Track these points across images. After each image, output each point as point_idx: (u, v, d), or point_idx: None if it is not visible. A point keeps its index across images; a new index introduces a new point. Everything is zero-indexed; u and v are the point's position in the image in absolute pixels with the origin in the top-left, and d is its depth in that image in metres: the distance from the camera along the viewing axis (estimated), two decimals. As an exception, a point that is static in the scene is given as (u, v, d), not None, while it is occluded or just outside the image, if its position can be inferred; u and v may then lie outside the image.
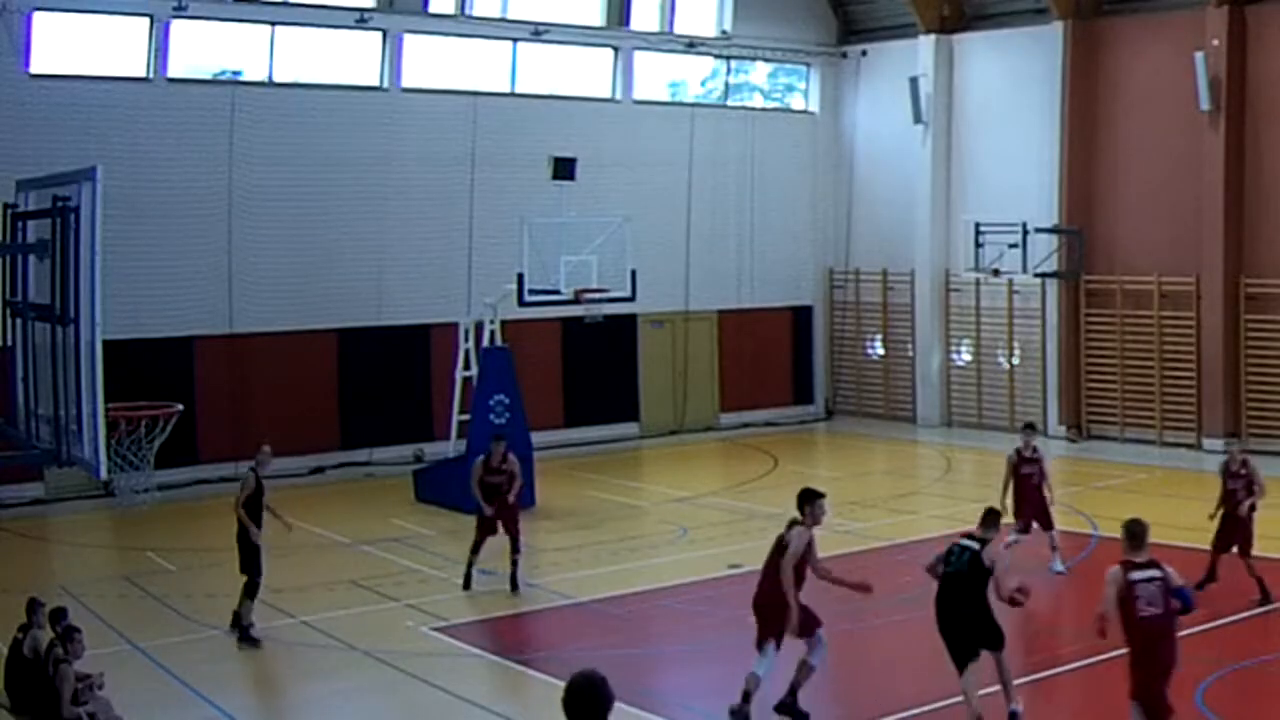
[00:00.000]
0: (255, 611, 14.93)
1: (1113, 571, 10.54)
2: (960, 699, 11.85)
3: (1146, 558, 10.49)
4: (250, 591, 15.01)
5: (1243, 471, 16.13)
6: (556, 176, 22.62)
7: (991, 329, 29.51)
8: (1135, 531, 10.60)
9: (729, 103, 31.53)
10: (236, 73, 25.25)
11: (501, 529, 16.93)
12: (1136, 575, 10.41)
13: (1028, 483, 17.21)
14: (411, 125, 26.32)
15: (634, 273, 23.19)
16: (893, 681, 13.76)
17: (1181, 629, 10.35)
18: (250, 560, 15.12)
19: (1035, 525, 17.27)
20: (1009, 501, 16.85)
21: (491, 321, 22.39)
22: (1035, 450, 17.45)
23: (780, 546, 12.35)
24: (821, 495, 12.51)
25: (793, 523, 12.42)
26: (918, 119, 29.76)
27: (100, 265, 9.25)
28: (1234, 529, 15.87)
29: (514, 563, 16.86)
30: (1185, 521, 19.49)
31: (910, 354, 30.83)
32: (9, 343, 11.22)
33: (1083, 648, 13.84)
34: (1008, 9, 29.29)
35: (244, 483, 15.49)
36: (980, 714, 11.65)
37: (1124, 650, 10.37)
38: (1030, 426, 18.37)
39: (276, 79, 25.33)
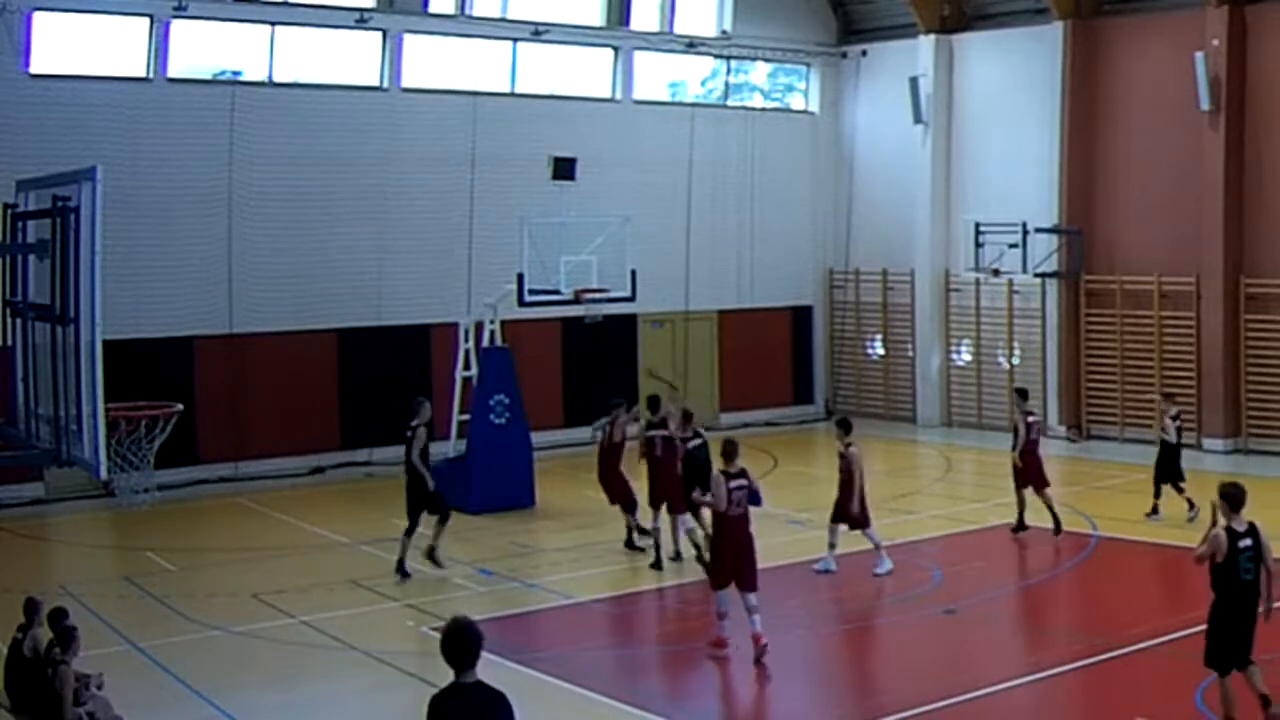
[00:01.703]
0: (254, 610, 14.92)
1: (716, 478, 13.93)
2: (967, 697, 11.85)
3: (738, 468, 13.92)
4: (444, 520, 17.45)
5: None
6: (556, 176, 22.58)
7: (991, 329, 29.51)
8: (729, 451, 13.95)
9: (729, 103, 31.52)
10: (236, 73, 25.24)
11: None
12: (733, 484, 13.80)
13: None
14: (411, 125, 26.31)
15: (634, 273, 23.15)
16: (893, 681, 13.76)
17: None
18: (434, 501, 17.32)
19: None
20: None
21: (491, 321, 22.37)
22: (849, 447, 17.29)
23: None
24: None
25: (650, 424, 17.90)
26: (918, 119, 29.76)
27: (100, 265, 9.26)
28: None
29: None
30: (1185, 520, 19.52)
31: (910, 354, 30.82)
32: (9, 343, 11.23)
33: (1083, 648, 13.86)
34: (1008, 9, 29.29)
35: (418, 437, 17.31)
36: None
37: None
38: (844, 423, 17.90)
39: (276, 79, 25.31)
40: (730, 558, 13.86)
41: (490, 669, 13.91)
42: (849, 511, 17.09)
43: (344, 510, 22.09)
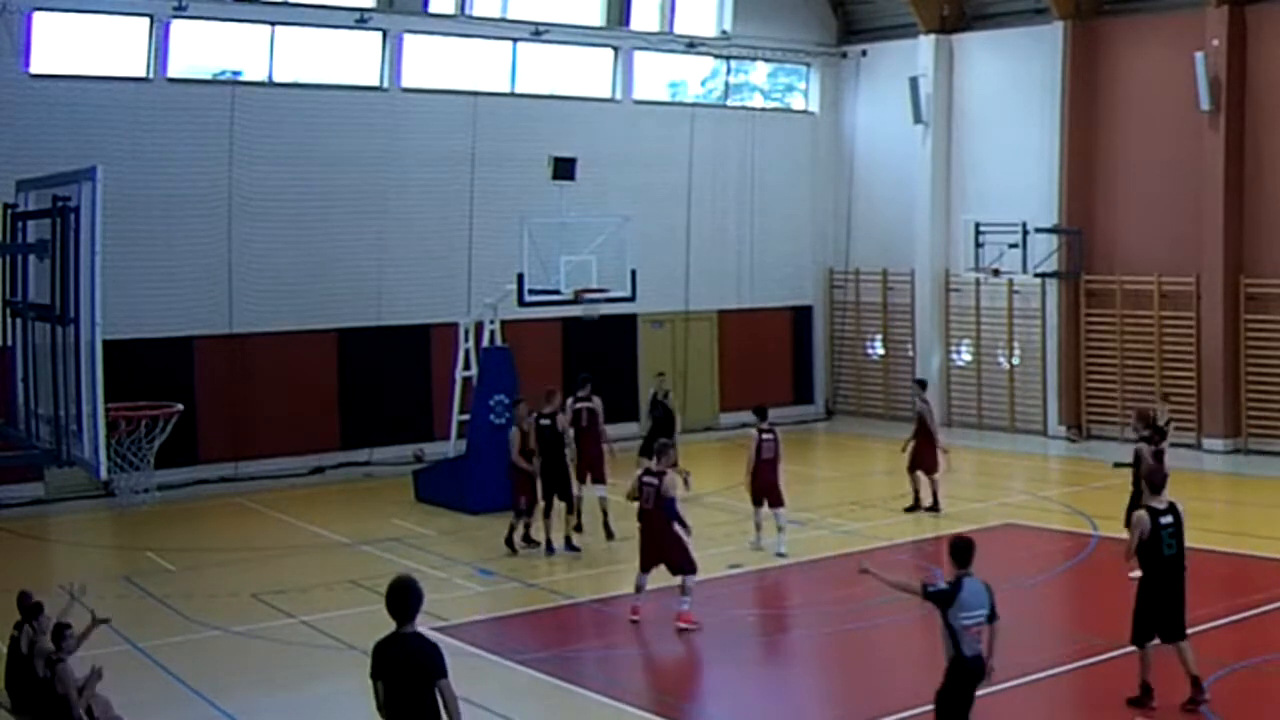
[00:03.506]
0: (254, 610, 14.88)
1: (636, 475, 15.56)
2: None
3: (658, 469, 15.39)
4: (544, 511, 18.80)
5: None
6: (556, 176, 22.59)
7: (991, 329, 29.51)
8: (657, 449, 15.77)
9: (729, 103, 31.53)
10: (236, 73, 25.24)
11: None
12: (645, 479, 15.36)
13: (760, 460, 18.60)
14: (411, 125, 26.31)
15: (634, 273, 23.16)
16: (893, 681, 13.76)
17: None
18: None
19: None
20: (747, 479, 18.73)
21: (491, 321, 22.38)
22: (771, 429, 18.76)
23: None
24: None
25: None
26: (918, 119, 29.76)
27: (100, 265, 9.25)
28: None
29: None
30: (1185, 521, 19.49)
31: (910, 354, 30.82)
32: (9, 343, 11.21)
33: (1083, 648, 13.86)
34: (1008, 9, 29.29)
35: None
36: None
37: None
38: (761, 409, 19.15)
39: (276, 79, 25.32)
40: (648, 545, 15.35)
41: (490, 669, 13.98)
42: (753, 490, 18.53)
43: (344, 510, 22.10)
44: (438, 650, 8.27)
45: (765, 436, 18.56)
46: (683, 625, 14.99)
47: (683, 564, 15.19)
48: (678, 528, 15.27)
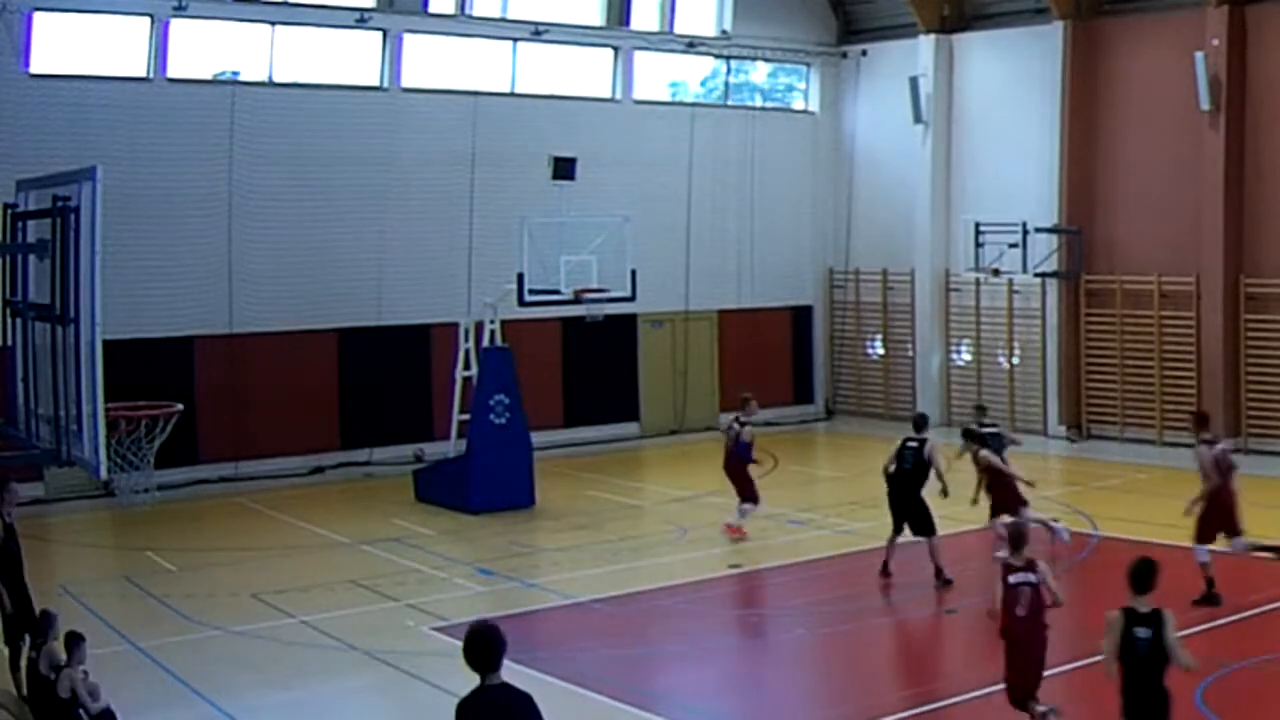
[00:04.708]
0: (255, 610, 14.86)
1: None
2: (968, 696, 11.84)
3: (751, 414, 19.41)
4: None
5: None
6: (556, 176, 22.60)
7: (991, 329, 29.50)
8: (743, 399, 19.59)
9: (729, 103, 31.53)
10: (236, 73, 25.24)
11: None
12: (731, 429, 19.25)
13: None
14: (411, 125, 26.31)
15: (634, 273, 23.16)
16: (893, 681, 13.76)
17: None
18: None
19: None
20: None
21: (491, 321, 22.38)
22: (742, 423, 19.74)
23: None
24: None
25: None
26: (918, 119, 29.75)
27: (100, 265, 9.26)
28: None
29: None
30: (1186, 521, 19.50)
31: (910, 354, 30.81)
32: (9, 343, 11.23)
33: (1083, 648, 13.84)
34: (1008, 9, 29.28)
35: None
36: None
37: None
38: (746, 399, 20.04)
39: (276, 79, 25.31)
40: (731, 478, 19.44)
41: (490, 669, 13.91)
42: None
43: (344, 510, 22.10)
44: (530, 701, 7.41)
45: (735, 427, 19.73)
46: (732, 536, 18.89)
47: (748, 496, 19.21)
48: (751, 469, 19.19)
